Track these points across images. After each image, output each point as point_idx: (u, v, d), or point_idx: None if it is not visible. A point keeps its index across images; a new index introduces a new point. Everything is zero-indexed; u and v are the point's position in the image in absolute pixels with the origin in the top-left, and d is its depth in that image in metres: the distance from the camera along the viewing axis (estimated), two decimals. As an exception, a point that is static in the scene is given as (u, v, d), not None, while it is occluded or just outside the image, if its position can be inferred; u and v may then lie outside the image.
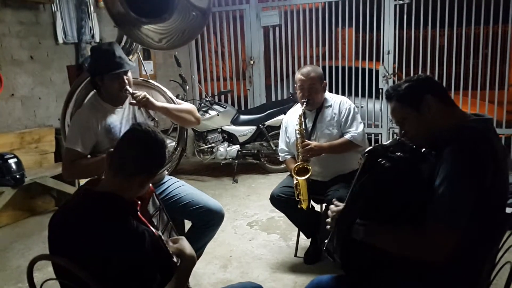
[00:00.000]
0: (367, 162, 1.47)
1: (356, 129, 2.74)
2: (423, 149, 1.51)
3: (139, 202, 1.44)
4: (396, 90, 1.57)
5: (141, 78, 2.66)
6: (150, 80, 2.62)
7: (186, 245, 1.49)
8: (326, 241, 1.61)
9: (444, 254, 1.32)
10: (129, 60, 2.32)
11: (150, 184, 1.56)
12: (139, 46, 2.51)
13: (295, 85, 2.82)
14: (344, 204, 1.58)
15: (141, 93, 2.25)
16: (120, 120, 2.31)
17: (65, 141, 2.31)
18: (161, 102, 2.40)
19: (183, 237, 1.56)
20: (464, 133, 1.41)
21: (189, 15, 2.35)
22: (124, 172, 1.37)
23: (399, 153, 1.43)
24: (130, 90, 2.23)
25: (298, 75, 2.77)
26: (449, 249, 1.31)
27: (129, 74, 2.26)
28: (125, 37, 2.45)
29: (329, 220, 1.59)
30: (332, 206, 1.63)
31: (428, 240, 1.34)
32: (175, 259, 1.43)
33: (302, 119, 2.74)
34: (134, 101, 2.24)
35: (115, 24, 2.36)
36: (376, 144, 1.55)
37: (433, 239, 1.33)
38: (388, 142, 1.57)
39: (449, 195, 1.33)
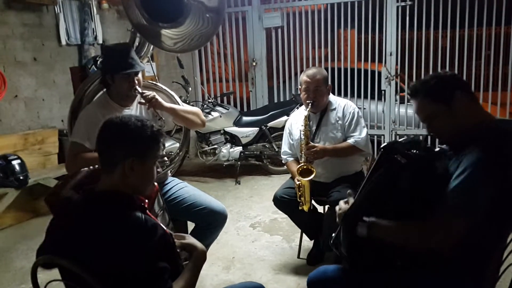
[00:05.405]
0: (381, 158, 1.45)
1: (360, 134, 2.74)
2: (436, 149, 1.49)
3: (146, 201, 1.43)
4: (424, 85, 1.51)
5: (149, 81, 2.68)
6: (158, 83, 2.65)
7: (194, 240, 1.50)
8: (333, 234, 1.60)
9: (450, 241, 1.31)
10: (141, 62, 2.34)
11: (155, 184, 1.56)
12: (150, 49, 2.53)
13: (300, 86, 2.81)
14: (353, 200, 1.57)
15: (150, 93, 2.29)
16: None
17: (71, 135, 2.33)
18: (168, 103, 2.42)
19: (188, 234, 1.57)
20: (491, 132, 1.39)
21: (203, 19, 2.38)
22: (114, 163, 1.32)
23: (414, 151, 1.41)
24: (140, 90, 2.27)
25: (303, 77, 2.76)
26: (456, 236, 1.29)
27: (140, 75, 2.29)
28: (137, 40, 2.47)
29: (340, 213, 1.57)
30: (341, 202, 1.62)
31: (434, 226, 1.32)
32: (182, 257, 1.43)
33: (308, 121, 2.75)
34: (143, 101, 2.27)
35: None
36: (392, 141, 1.53)
37: (440, 225, 1.31)
38: (402, 139, 1.54)
39: (465, 185, 1.32)
